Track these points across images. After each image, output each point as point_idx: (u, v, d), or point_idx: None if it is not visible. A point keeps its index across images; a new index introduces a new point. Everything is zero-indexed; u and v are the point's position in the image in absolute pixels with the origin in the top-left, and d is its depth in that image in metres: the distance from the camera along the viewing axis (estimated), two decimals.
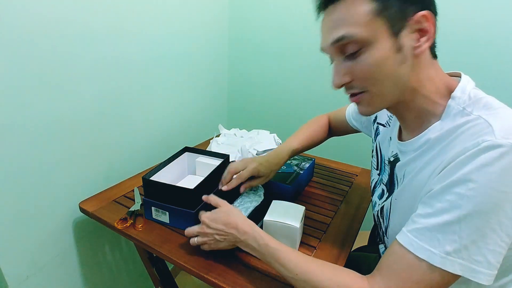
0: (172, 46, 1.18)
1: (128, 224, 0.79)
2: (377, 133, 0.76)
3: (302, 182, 0.97)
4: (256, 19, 1.45)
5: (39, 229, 0.86)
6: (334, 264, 0.57)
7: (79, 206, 0.88)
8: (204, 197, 0.74)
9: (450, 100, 0.50)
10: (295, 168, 0.98)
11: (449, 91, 0.51)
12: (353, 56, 0.49)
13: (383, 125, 0.73)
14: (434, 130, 0.51)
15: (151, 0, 1.04)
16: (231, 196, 0.80)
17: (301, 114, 1.48)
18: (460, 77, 0.54)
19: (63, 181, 0.89)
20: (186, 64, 1.28)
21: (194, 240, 0.69)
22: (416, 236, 0.45)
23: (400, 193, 0.58)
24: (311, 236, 0.78)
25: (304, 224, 0.78)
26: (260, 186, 0.86)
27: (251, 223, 0.64)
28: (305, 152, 1.14)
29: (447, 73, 0.56)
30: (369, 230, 1.04)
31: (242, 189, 0.81)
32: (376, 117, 0.78)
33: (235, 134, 1.24)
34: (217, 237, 0.65)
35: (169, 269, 1.06)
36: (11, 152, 0.75)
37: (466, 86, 0.50)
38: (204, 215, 0.68)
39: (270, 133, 1.22)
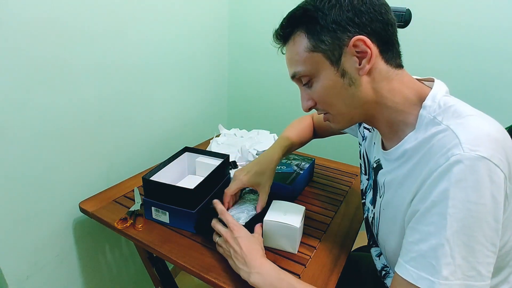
0: (172, 46, 1.18)
1: (128, 224, 0.79)
2: (364, 138, 0.76)
3: (302, 182, 0.97)
4: (256, 20, 1.45)
5: (39, 229, 0.86)
6: None
7: (79, 206, 0.88)
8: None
9: (421, 109, 0.51)
10: (295, 168, 0.98)
11: (421, 100, 0.52)
12: (308, 85, 0.57)
13: (368, 129, 0.74)
14: (410, 140, 0.52)
15: (152, 2, 1.04)
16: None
17: (301, 114, 1.47)
18: (434, 82, 0.54)
19: (63, 181, 0.89)
20: (187, 64, 1.28)
21: (215, 238, 0.70)
22: (413, 266, 0.45)
23: (386, 205, 0.59)
24: (311, 236, 0.78)
25: (304, 224, 0.78)
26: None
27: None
28: (305, 152, 1.14)
29: (421, 79, 0.57)
30: None
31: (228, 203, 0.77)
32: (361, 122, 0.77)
33: (235, 134, 1.24)
34: (232, 253, 0.64)
35: (169, 269, 1.06)
36: (12, 152, 0.75)
37: (437, 94, 0.51)
38: (238, 231, 0.66)
39: (270, 133, 1.22)
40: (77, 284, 1.01)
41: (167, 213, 0.78)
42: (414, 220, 0.47)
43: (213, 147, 1.14)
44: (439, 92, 0.51)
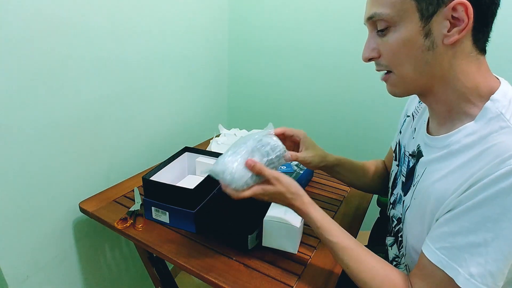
0: (172, 46, 1.18)
1: (128, 224, 0.79)
2: (402, 124, 0.73)
3: (302, 182, 0.97)
4: (256, 19, 1.45)
5: (39, 229, 0.86)
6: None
7: (79, 206, 0.88)
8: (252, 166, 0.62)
9: (489, 102, 0.48)
10: (295, 168, 0.98)
11: (490, 93, 0.48)
12: (382, 32, 0.51)
13: (409, 116, 0.71)
14: (466, 132, 0.49)
15: (152, 1, 1.04)
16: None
17: (301, 114, 1.48)
18: (499, 78, 0.52)
19: (63, 181, 0.89)
20: (187, 64, 1.28)
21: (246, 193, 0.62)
22: (444, 254, 0.46)
23: (419, 193, 0.56)
24: (311, 236, 0.78)
25: (304, 224, 0.78)
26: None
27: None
28: None
29: None
30: (369, 230, 1.04)
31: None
32: (406, 111, 0.75)
33: (235, 134, 1.24)
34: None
35: (169, 269, 1.06)
36: (11, 152, 0.75)
37: (508, 90, 0.48)
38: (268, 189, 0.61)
39: None
40: (77, 284, 1.01)
41: (167, 213, 0.78)
42: (455, 213, 0.46)
43: (213, 147, 1.14)
44: (509, 90, 0.49)
